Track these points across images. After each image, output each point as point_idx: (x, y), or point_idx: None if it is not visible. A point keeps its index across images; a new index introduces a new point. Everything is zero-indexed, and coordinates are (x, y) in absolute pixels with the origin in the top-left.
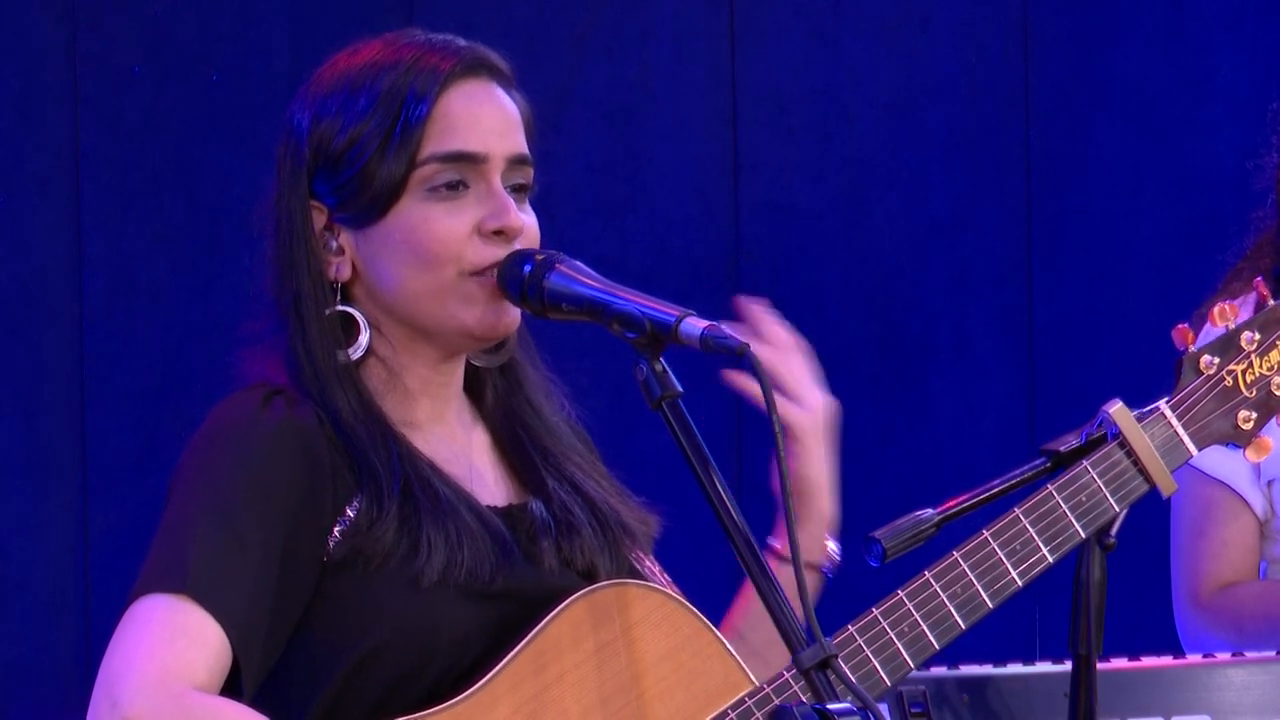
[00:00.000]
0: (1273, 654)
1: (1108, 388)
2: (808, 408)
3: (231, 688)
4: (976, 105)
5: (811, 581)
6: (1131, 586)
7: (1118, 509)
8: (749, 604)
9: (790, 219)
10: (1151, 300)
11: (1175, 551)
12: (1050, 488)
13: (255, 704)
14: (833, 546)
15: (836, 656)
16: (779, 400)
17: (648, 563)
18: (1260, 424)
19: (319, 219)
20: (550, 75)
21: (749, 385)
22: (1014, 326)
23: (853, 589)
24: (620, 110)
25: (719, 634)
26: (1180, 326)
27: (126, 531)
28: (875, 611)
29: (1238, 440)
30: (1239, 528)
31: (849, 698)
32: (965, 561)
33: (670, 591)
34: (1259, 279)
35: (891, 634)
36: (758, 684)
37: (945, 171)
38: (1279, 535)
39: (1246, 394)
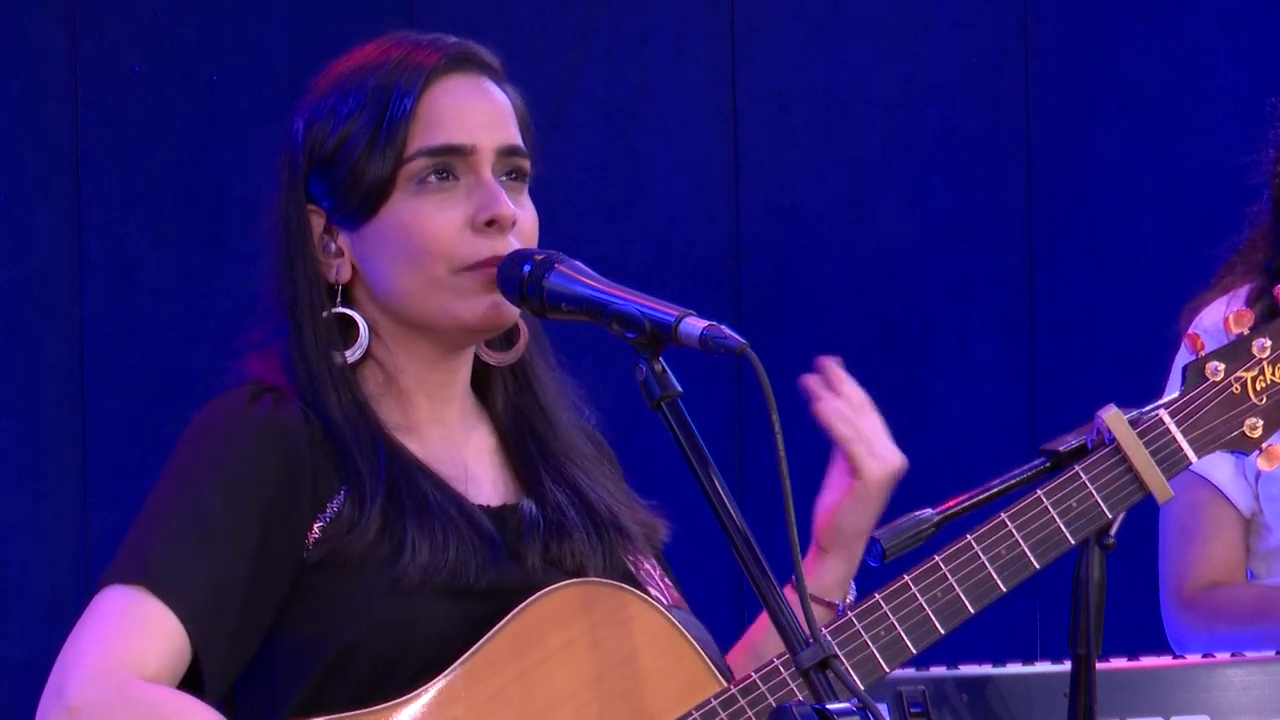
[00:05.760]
0: (1273, 654)
1: (1108, 388)
2: (880, 460)
3: (196, 682)
4: (976, 105)
5: (824, 615)
6: (1131, 586)
7: (1110, 515)
8: (766, 624)
9: (790, 219)
10: (1151, 300)
11: (1163, 551)
12: (1039, 493)
13: (234, 699)
14: (852, 589)
15: (836, 657)
16: (859, 452)
17: (646, 566)
18: (1269, 432)
19: (317, 222)
20: (550, 75)
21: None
22: (1014, 327)
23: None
24: (620, 110)
25: (689, 636)
26: (1191, 333)
27: (126, 532)
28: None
29: (1244, 448)
30: (1224, 528)
31: (846, 696)
32: (947, 566)
33: (638, 592)
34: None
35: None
36: (727, 685)
37: (945, 171)
38: (1264, 530)
39: (1255, 401)
